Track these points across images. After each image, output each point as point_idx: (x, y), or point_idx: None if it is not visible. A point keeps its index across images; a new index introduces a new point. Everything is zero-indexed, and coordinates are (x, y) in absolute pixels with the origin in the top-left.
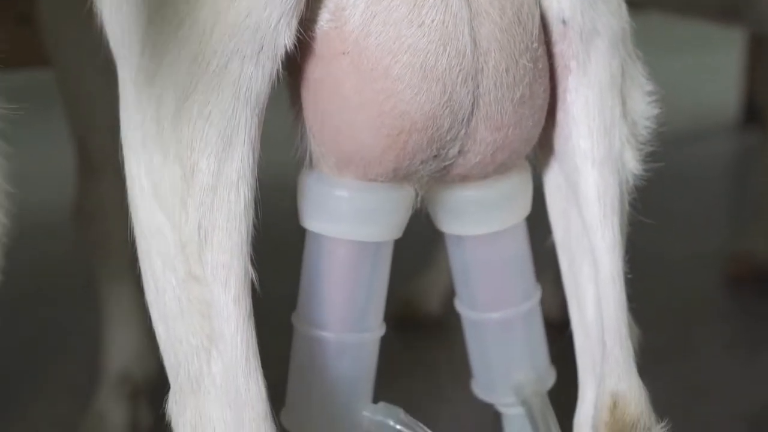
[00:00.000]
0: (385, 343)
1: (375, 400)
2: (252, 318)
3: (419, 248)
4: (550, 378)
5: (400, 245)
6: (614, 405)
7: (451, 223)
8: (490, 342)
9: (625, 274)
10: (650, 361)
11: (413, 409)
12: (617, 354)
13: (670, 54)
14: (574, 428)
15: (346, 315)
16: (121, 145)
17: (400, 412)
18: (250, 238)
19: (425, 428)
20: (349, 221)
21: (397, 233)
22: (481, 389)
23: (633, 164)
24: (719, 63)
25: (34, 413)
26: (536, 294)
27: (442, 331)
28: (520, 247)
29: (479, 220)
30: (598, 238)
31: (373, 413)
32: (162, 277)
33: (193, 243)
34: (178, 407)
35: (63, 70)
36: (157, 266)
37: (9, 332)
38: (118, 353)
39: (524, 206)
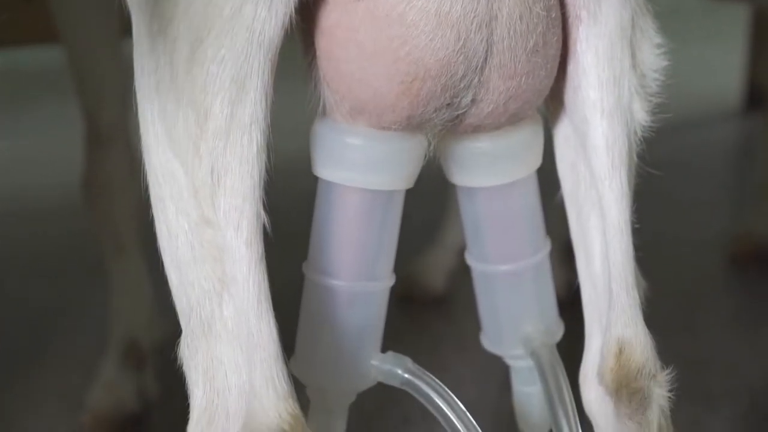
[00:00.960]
0: (391, 319)
1: None
2: (264, 261)
3: (423, 226)
4: (558, 331)
5: (405, 222)
6: (620, 351)
7: (462, 175)
8: (499, 294)
9: (633, 223)
10: (653, 337)
11: None
12: (623, 301)
13: (673, 41)
14: (579, 378)
15: (356, 264)
16: (134, 93)
17: (408, 361)
18: (262, 183)
19: (433, 377)
20: (361, 169)
21: (409, 183)
22: (489, 341)
23: (641, 115)
24: (722, 50)
25: (42, 385)
26: (546, 247)
27: (447, 307)
28: (530, 199)
29: (491, 172)
30: (606, 188)
31: (382, 362)
32: (175, 222)
33: (206, 187)
34: (189, 351)
35: (72, 43)
36: (170, 211)
37: (18, 306)
38: (125, 322)
39: (535, 158)
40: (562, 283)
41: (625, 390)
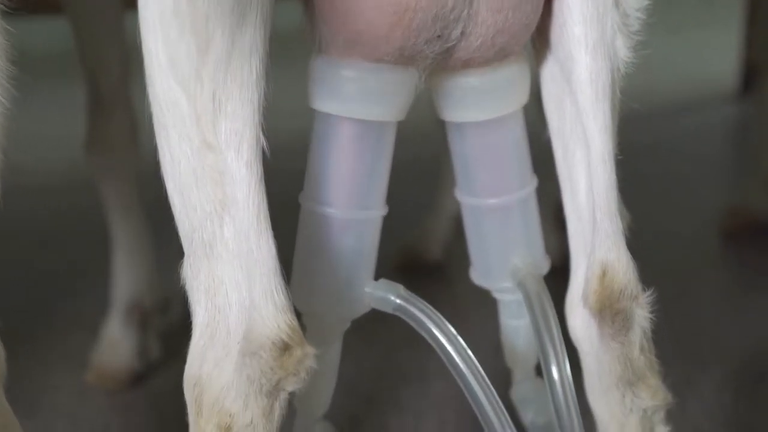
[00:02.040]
0: None
1: (378, 328)
2: (263, 184)
3: (419, 199)
4: (545, 264)
5: (402, 195)
6: (603, 274)
7: (452, 110)
8: (488, 227)
9: (616, 156)
10: (652, 303)
11: (415, 347)
12: (607, 227)
13: (670, 27)
14: (566, 306)
15: (350, 192)
16: (138, 26)
17: (401, 288)
18: (261, 109)
19: (425, 303)
20: (355, 100)
21: (401, 115)
22: (478, 275)
23: (624, 52)
24: (718, 35)
25: (46, 346)
26: (533, 182)
27: (443, 275)
28: (517, 135)
29: (479, 107)
30: (590, 120)
31: (375, 289)
32: (177, 148)
33: (208, 113)
34: (192, 271)
35: (74, 8)
36: (172, 138)
37: (23, 269)
38: (128, 282)
39: (522, 94)
40: (558, 252)
41: (609, 311)
